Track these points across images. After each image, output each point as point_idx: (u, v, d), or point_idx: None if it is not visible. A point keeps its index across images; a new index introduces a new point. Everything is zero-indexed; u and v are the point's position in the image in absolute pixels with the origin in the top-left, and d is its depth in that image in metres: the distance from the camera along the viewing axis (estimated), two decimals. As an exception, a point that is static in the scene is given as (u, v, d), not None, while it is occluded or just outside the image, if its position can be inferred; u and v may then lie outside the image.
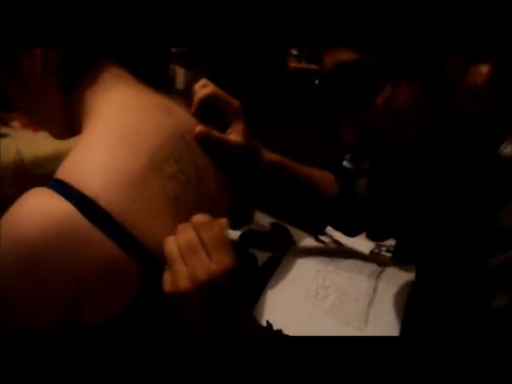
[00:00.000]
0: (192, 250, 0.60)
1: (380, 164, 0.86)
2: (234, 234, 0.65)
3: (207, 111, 0.78)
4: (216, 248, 0.60)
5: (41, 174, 1.70)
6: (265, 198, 1.02)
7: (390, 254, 1.89)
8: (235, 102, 0.80)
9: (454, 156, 0.67)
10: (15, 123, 1.55)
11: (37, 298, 0.57)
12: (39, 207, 0.55)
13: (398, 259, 1.27)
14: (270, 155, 0.87)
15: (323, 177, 1.00)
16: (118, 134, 0.63)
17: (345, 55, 0.61)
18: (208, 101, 0.78)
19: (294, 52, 2.55)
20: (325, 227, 2.16)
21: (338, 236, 2.13)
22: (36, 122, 0.80)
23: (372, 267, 1.10)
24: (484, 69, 0.57)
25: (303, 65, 2.50)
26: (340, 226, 1.09)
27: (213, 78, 0.80)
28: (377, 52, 0.60)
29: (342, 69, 0.62)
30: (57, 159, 1.74)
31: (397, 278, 1.07)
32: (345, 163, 1.05)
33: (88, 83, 0.69)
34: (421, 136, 0.64)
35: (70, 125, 0.73)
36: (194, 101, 0.77)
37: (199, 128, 0.73)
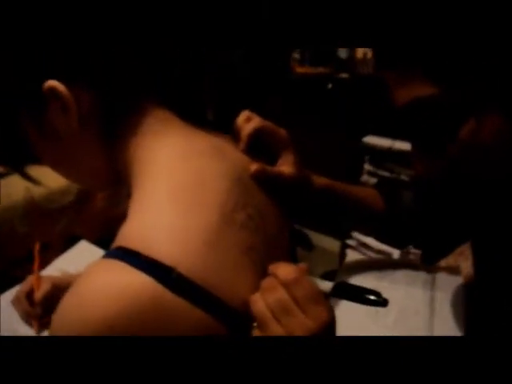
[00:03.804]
0: (285, 309, 0.56)
1: (451, 194, 0.83)
2: (325, 286, 0.61)
3: (254, 144, 0.74)
4: (310, 304, 0.56)
5: (52, 208, 1.67)
6: (313, 221, 1.00)
7: (418, 251, 1.89)
8: (282, 132, 0.77)
9: None
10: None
11: None
12: (111, 284, 0.50)
13: (428, 261, 1.25)
14: (319, 180, 0.84)
15: (368, 194, 0.97)
16: (181, 187, 0.58)
17: (421, 90, 0.59)
18: (255, 134, 0.74)
19: (297, 56, 2.52)
20: (351, 231, 2.16)
21: (365, 239, 2.14)
22: (71, 179, 0.75)
23: (423, 276, 1.09)
24: None
25: (309, 69, 2.47)
26: (387, 240, 1.07)
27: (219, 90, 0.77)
28: (459, 84, 0.57)
29: (420, 104, 0.59)
30: (68, 192, 1.72)
31: (449, 284, 1.07)
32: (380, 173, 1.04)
33: (131, 130, 0.63)
34: (506, 166, 0.61)
35: (112, 176, 0.68)
36: (242, 137, 0.73)
37: (254, 166, 0.69)
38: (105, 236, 1.30)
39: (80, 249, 1.36)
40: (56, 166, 0.70)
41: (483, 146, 0.59)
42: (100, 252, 1.32)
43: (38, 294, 1.07)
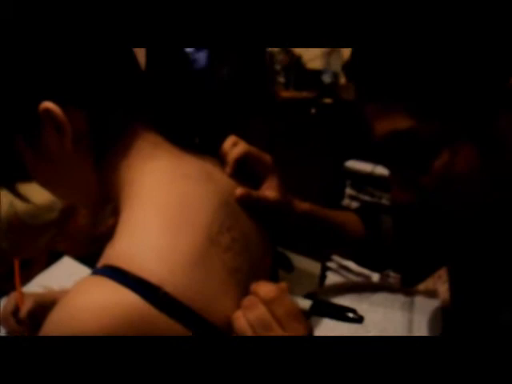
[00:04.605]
0: (265, 326, 0.58)
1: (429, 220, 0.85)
2: (304, 304, 0.64)
3: (240, 168, 0.77)
4: (289, 321, 0.59)
5: (36, 224, 1.67)
6: (294, 244, 1.01)
7: (397, 274, 1.92)
8: (267, 157, 0.79)
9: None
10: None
11: None
12: (99, 302, 0.52)
13: (407, 284, 1.28)
14: (301, 205, 0.86)
15: (349, 219, 0.99)
16: (169, 209, 0.60)
17: (400, 123, 0.61)
18: (241, 159, 0.77)
19: (282, 79, 2.55)
20: (331, 254, 2.18)
21: (345, 262, 2.17)
22: (61, 196, 0.76)
23: (401, 299, 1.10)
24: None
25: (293, 93, 2.50)
26: (367, 263, 1.09)
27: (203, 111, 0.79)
28: (437, 117, 0.59)
29: (398, 137, 0.62)
30: (52, 209, 1.72)
31: (427, 307, 1.08)
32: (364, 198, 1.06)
33: (122, 152, 0.65)
34: (480, 197, 0.64)
35: (101, 196, 0.69)
36: (228, 161, 0.75)
37: (240, 191, 0.71)
38: (87, 253, 1.31)
39: (63, 265, 1.36)
40: (47, 184, 0.71)
41: (457, 176, 0.62)
42: (83, 268, 1.32)
43: (22, 312, 1.07)
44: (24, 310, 1.07)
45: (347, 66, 0.69)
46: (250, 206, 0.72)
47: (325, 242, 0.97)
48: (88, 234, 1.78)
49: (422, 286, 1.33)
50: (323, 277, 2.31)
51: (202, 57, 2.36)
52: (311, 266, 2.51)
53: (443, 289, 1.21)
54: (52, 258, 1.41)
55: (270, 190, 0.78)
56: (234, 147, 0.77)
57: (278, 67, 2.60)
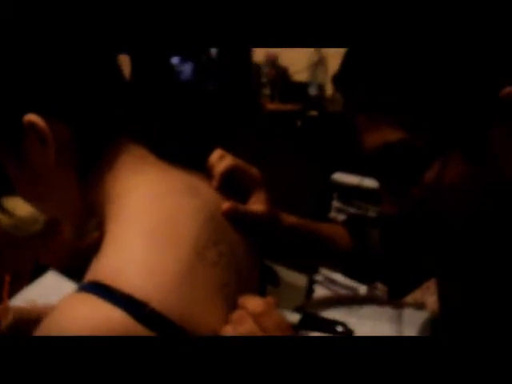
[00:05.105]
0: None
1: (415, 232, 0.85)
2: (293, 318, 0.63)
3: (227, 182, 0.76)
4: (278, 334, 0.58)
5: (20, 236, 1.65)
6: (281, 257, 1.01)
7: (384, 287, 1.91)
8: (254, 171, 0.79)
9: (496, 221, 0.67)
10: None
11: None
12: (86, 318, 0.51)
13: (395, 296, 1.28)
14: (288, 219, 0.86)
15: (336, 232, 0.98)
16: (155, 225, 0.60)
17: (390, 135, 0.61)
18: (228, 172, 0.76)
19: (267, 92, 2.55)
20: (318, 267, 2.18)
21: (332, 274, 2.16)
22: (45, 210, 0.76)
23: (389, 311, 1.10)
24: None
25: (279, 105, 2.51)
26: (354, 276, 1.08)
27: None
28: (428, 129, 0.59)
29: (389, 149, 0.62)
30: (36, 221, 1.70)
31: (416, 319, 1.07)
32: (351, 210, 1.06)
33: (107, 166, 0.65)
34: (474, 206, 0.64)
35: (86, 210, 0.68)
36: (214, 175, 0.75)
37: (226, 205, 0.70)
38: (73, 266, 1.29)
39: (48, 279, 1.35)
40: (30, 198, 0.71)
41: (448, 187, 0.61)
42: (68, 283, 1.30)
43: (3, 327, 1.05)
44: (5, 324, 1.06)
45: (336, 78, 0.68)
46: (237, 220, 0.71)
47: (312, 255, 0.97)
48: (73, 247, 1.77)
49: (410, 298, 1.33)
50: (310, 290, 2.30)
51: (187, 69, 2.36)
52: (298, 279, 2.50)
53: (432, 300, 1.21)
54: (37, 272, 1.39)
55: (257, 204, 0.77)
56: (220, 161, 0.76)
57: (264, 80, 2.60)
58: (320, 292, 2.25)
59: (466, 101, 0.58)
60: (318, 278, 2.25)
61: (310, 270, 2.07)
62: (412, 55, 0.59)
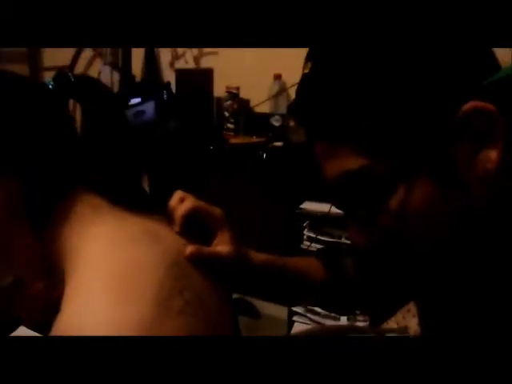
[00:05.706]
0: None
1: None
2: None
3: (190, 223, 0.74)
4: None
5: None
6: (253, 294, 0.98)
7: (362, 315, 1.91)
8: (216, 211, 0.77)
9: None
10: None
11: None
12: None
13: (376, 322, 1.26)
14: (258, 256, 0.83)
15: (308, 264, 0.96)
16: (115, 277, 0.58)
17: (351, 162, 0.59)
18: (189, 215, 0.73)
19: (230, 126, 2.55)
20: (295, 302, 2.16)
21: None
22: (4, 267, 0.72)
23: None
24: (493, 154, 0.56)
25: (243, 138, 2.51)
26: (332, 308, 1.06)
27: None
28: (388, 154, 0.58)
29: (350, 177, 0.60)
30: (6, 273, 1.66)
31: None
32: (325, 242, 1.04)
33: (61, 219, 0.64)
34: (441, 231, 0.62)
35: (45, 265, 0.66)
36: (175, 219, 0.72)
37: (189, 249, 0.67)
38: (44, 320, 1.25)
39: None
40: None
41: (416, 212, 0.60)
42: (37, 340, 1.26)
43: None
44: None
45: (292, 109, 0.67)
46: (201, 263, 0.68)
47: (284, 291, 0.94)
48: (44, 300, 1.73)
49: (392, 322, 1.31)
50: (291, 321, 2.28)
51: (149, 108, 2.35)
52: (278, 311, 2.47)
53: (414, 322, 1.19)
54: (7, 327, 1.35)
55: (222, 245, 0.75)
56: (180, 204, 0.74)
57: (226, 113, 2.60)
58: (301, 323, 2.23)
59: (424, 123, 0.57)
60: (298, 309, 2.23)
61: (287, 303, 2.05)
62: (366, 83, 0.58)
